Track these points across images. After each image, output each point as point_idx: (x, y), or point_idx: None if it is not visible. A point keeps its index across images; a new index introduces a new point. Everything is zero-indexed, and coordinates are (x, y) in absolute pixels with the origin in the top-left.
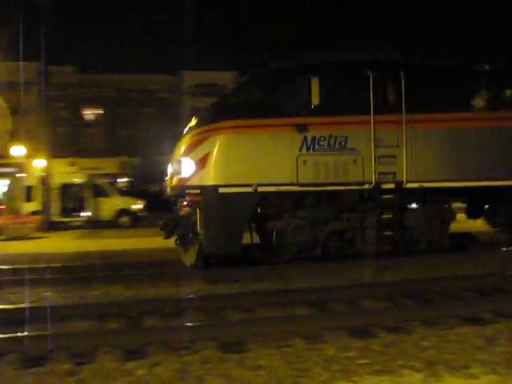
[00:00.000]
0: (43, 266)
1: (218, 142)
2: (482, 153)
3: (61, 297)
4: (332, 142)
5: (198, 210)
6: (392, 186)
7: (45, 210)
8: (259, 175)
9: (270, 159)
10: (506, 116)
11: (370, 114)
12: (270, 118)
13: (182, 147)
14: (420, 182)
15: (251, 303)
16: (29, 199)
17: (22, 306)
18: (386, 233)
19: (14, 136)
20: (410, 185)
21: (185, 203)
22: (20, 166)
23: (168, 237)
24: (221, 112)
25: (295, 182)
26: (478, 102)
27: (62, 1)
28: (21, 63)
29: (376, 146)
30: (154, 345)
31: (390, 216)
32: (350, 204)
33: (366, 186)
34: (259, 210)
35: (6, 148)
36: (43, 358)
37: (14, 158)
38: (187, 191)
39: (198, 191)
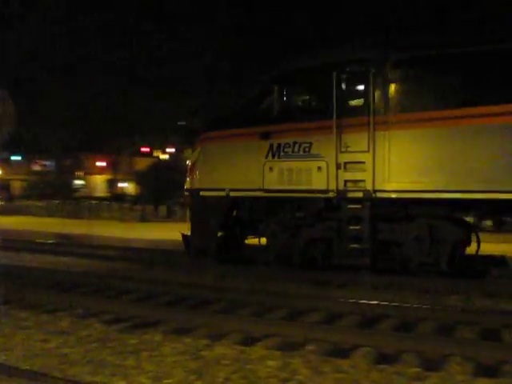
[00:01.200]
0: None
1: (200, 151)
2: (483, 157)
3: None
4: (296, 148)
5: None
6: (360, 194)
7: None
8: (232, 181)
9: (240, 166)
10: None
11: (333, 119)
12: (240, 128)
13: None
14: (396, 191)
15: None
16: None
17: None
18: (355, 245)
19: None
20: (380, 194)
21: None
22: None
23: None
24: (206, 125)
25: (262, 187)
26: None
27: None
28: None
29: (341, 152)
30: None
31: (357, 228)
32: (316, 212)
33: (331, 194)
34: (235, 214)
35: None
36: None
37: None
38: (185, 193)
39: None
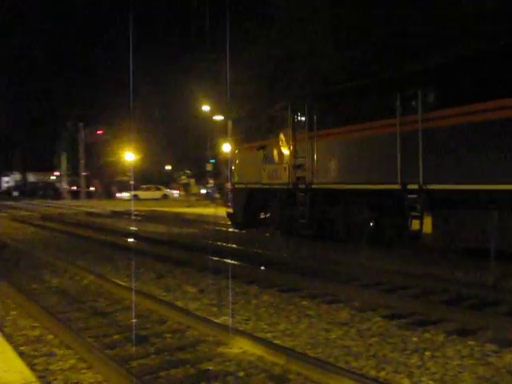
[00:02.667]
0: None
1: (235, 158)
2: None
3: None
4: (275, 155)
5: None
6: (303, 186)
7: None
8: (248, 177)
9: (251, 168)
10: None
11: (286, 136)
12: (251, 143)
13: None
14: (320, 183)
15: None
16: None
17: None
18: (302, 221)
19: None
20: (313, 186)
21: None
22: None
23: None
24: (239, 140)
25: (260, 182)
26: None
27: None
28: None
29: (294, 157)
30: None
31: (302, 209)
32: (285, 198)
33: (290, 186)
34: (251, 199)
35: None
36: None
37: None
38: (229, 185)
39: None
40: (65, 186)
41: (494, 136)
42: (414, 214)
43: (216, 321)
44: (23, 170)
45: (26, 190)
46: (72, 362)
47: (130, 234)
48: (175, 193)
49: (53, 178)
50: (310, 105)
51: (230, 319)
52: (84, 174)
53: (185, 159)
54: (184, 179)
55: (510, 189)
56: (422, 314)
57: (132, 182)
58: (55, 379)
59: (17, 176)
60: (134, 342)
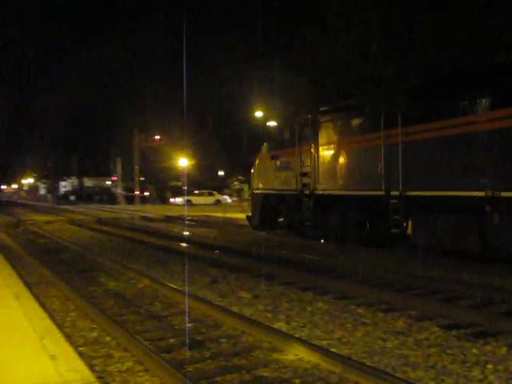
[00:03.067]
0: None
1: (253, 167)
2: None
3: None
4: (284, 164)
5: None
6: (308, 192)
7: None
8: (263, 183)
9: (265, 175)
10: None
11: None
12: (267, 153)
13: None
14: (322, 190)
15: None
16: None
17: None
18: (307, 223)
19: None
20: (316, 192)
21: None
22: None
23: None
24: (255, 151)
25: (274, 188)
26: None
27: None
28: None
29: (301, 166)
30: None
31: (307, 212)
32: (293, 203)
33: (297, 192)
34: (265, 203)
35: None
36: None
37: None
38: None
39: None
40: (120, 190)
41: (450, 149)
42: (395, 217)
43: (271, 326)
44: (80, 175)
45: (83, 195)
46: (129, 364)
47: (184, 239)
48: (228, 198)
49: (108, 183)
50: (312, 120)
51: (286, 326)
52: (139, 179)
53: (238, 165)
54: (237, 185)
55: (468, 195)
56: (481, 325)
57: (185, 188)
58: (113, 380)
59: (74, 181)
60: (190, 347)
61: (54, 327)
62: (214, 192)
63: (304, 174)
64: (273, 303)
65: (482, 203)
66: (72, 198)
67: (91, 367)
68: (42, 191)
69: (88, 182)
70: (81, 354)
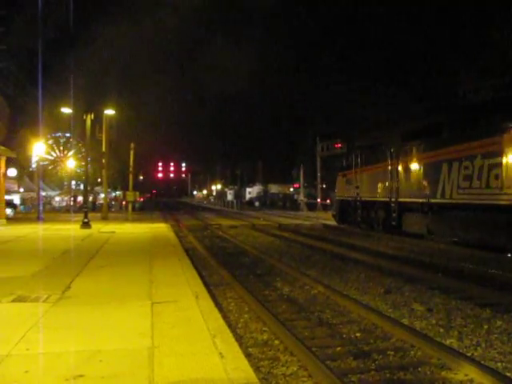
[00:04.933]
0: None
1: (336, 182)
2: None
3: None
4: (349, 180)
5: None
6: (355, 198)
7: None
8: (340, 193)
9: (340, 187)
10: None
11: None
12: (340, 172)
13: None
14: (364, 197)
15: None
16: None
17: None
18: (359, 219)
19: None
20: (360, 198)
21: None
22: None
23: None
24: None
25: (345, 196)
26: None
27: None
28: None
29: (355, 181)
30: None
31: (359, 212)
32: (354, 206)
33: (354, 199)
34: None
35: None
36: None
37: None
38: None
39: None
40: (302, 197)
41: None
42: (394, 215)
43: (443, 342)
44: (265, 182)
45: (267, 201)
46: (294, 368)
47: (360, 249)
48: None
49: (291, 189)
50: (357, 148)
51: (458, 343)
52: (322, 186)
53: None
54: None
55: (421, 201)
56: None
57: None
58: (276, 383)
59: (259, 187)
60: (356, 356)
61: (225, 327)
62: None
63: (357, 187)
64: (446, 318)
65: (424, 206)
66: (256, 203)
67: (257, 368)
68: (229, 197)
69: (273, 189)
70: (249, 355)
